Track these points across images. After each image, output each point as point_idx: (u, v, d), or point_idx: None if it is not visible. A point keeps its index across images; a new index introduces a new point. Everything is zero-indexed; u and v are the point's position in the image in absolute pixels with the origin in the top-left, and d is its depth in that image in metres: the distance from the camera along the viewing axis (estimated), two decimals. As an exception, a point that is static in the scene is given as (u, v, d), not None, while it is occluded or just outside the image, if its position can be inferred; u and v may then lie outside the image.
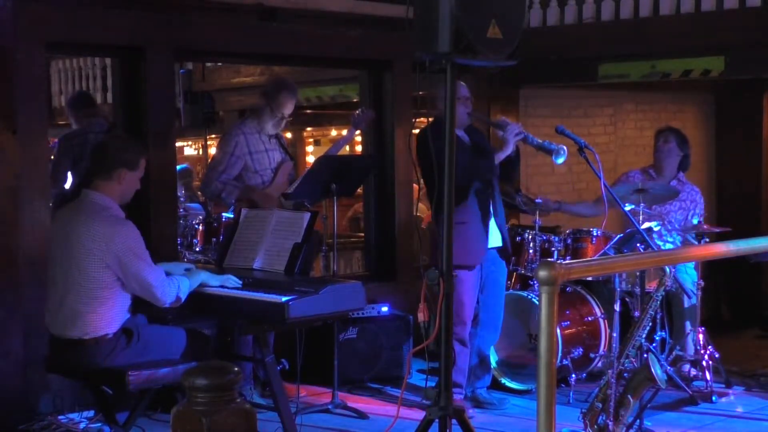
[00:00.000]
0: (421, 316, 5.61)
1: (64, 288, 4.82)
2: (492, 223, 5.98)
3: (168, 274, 4.92)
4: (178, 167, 7.06)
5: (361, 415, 6.00)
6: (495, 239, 6.04)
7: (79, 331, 4.77)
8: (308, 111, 12.50)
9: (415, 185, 7.51)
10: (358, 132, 7.36)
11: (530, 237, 6.59)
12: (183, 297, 4.88)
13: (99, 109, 7.46)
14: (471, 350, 6.10)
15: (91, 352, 4.77)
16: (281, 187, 6.28)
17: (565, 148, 5.88)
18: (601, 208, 6.86)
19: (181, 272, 5.06)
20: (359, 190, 7.49)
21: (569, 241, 6.63)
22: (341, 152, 7.25)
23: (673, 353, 6.48)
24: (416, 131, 6.43)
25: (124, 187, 4.92)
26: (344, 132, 7.51)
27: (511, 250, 6.35)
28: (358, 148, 11.90)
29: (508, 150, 5.96)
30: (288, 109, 6.32)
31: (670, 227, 6.83)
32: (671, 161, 6.96)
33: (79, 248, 4.75)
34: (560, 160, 5.89)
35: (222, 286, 5.05)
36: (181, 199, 7.36)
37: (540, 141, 5.98)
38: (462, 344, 5.90)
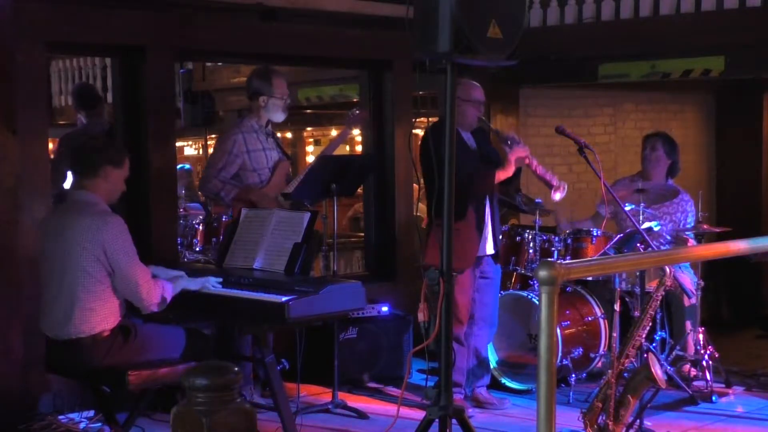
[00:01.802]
0: (421, 316, 5.60)
1: (57, 287, 4.80)
2: (488, 231, 5.97)
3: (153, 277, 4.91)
4: (178, 167, 7.06)
5: (361, 415, 6.00)
6: (488, 247, 6.03)
7: (75, 329, 4.74)
8: (308, 111, 12.49)
9: (415, 185, 7.51)
10: (357, 132, 7.35)
11: (530, 237, 6.58)
12: (168, 299, 4.85)
13: (103, 108, 7.46)
14: (468, 350, 6.10)
15: (88, 351, 4.75)
16: (278, 187, 6.28)
17: (565, 185, 5.85)
18: (598, 222, 6.86)
19: (166, 277, 5.00)
20: (359, 190, 7.49)
21: (569, 241, 6.62)
22: (341, 152, 7.23)
23: (673, 353, 6.47)
24: (417, 131, 6.43)
25: (110, 185, 4.88)
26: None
27: (503, 257, 6.35)
28: (358, 148, 11.91)
29: (509, 172, 5.87)
30: (285, 88, 6.32)
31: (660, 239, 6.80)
32: (659, 169, 6.88)
33: (70, 243, 4.73)
34: (558, 197, 5.87)
35: (203, 288, 5.01)
36: (181, 199, 7.35)
37: (543, 171, 5.94)
38: (458, 343, 5.90)
